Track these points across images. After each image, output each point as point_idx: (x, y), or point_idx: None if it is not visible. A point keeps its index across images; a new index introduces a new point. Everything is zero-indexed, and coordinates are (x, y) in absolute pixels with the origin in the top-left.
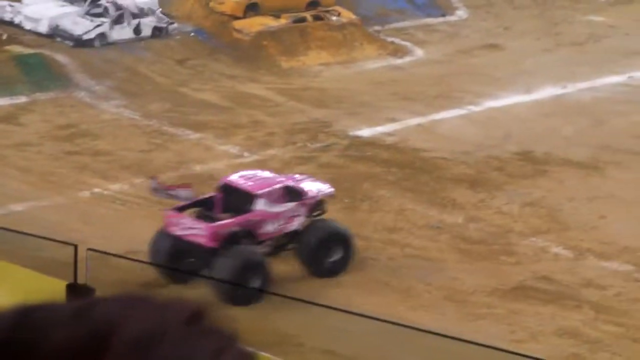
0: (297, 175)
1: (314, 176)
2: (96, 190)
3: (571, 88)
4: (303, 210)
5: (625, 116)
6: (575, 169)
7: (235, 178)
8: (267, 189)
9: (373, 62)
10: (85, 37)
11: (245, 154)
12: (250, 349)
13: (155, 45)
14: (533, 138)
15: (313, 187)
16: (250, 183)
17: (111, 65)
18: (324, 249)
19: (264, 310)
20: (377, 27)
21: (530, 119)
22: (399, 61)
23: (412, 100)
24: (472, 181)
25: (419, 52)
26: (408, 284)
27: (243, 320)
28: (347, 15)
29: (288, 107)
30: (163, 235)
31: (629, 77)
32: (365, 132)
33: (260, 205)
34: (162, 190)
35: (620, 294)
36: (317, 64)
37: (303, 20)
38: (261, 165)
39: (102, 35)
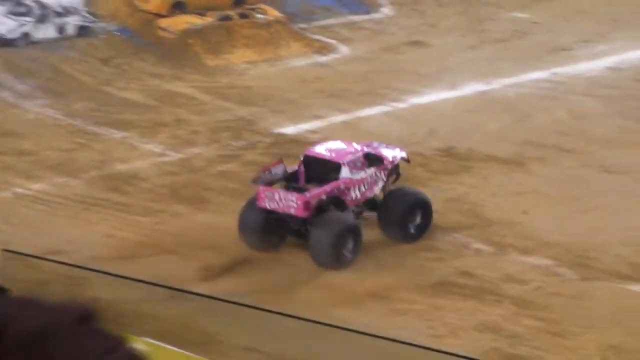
0: (374, 143)
1: (240, 174)
2: (18, 190)
3: (495, 84)
4: (382, 175)
5: (548, 112)
6: (498, 165)
7: (317, 149)
8: (350, 157)
9: (299, 60)
10: (9, 36)
11: (169, 152)
12: (168, 346)
13: (80, 44)
14: (457, 134)
15: (389, 153)
16: (332, 153)
17: (35, 65)
18: (408, 215)
19: (187, 309)
20: (302, 25)
21: (455, 116)
22: (324, 59)
23: (337, 98)
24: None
25: (345, 50)
26: (332, 281)
27: (166, 318)
28: (272, 13)
29: (213, 105)
30: (252, 210)
31: (553, 73)
32: (290, 129)
33: (344, 173)
34: (261, 176)
35: (541, 289)
36: (243, 62)
37: (229, 18)
38: (185, 163)
39: (26, 35)
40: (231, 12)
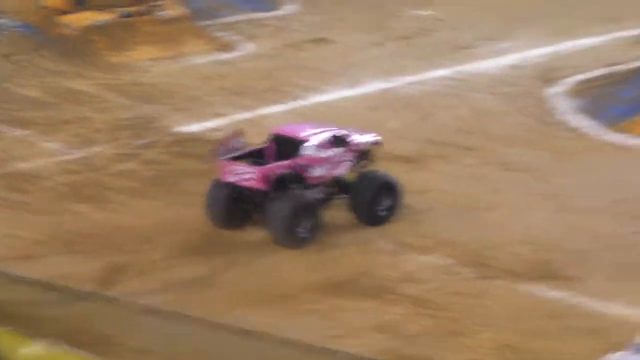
0: (348, 128)
1: (140, 172)
2: None
3: (398, 82)
4: (349, 156)
5: (451, 110)
6: (401, 163)
7: (284, 128)
8: (314, 136)
9: (202, 57)
10: None
11: (71, 150)
12: (64, 348)
13: None
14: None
15: (360, 137)
16: (298, 132)
17: None
18: (377, 198)
19: (86, 310)
20: (206, 22)
21: (358, 113)
22: (228, 56)
23: (241, 95)
24: None
25: (248, 47)
26: (231, 280)
27: (63, 320)
28: (176, 10)
29: (116, 103)
30: (218, 185)
31: (455, 71)
32: (192, 127)
33: (307, 150)
34: (222, 151)
35: (440, 288)
36: (146, 59)
37: (132, 15)
38: (86, 161)
39: None
40: (134, 9)
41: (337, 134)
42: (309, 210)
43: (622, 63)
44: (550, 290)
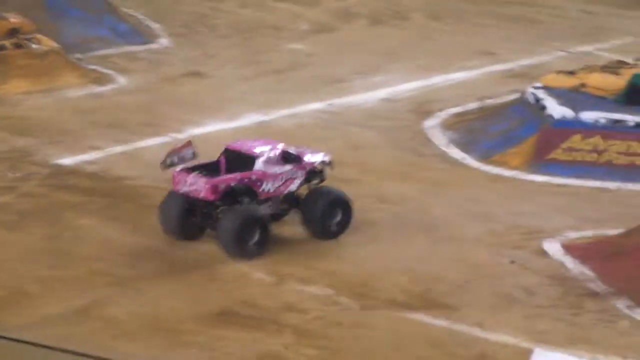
0: (302, 147)
1: (15, 206)
2: None
3: (273, 115)
4: (300, 174)
5: (326, 142)
6: None
7: (236, 144)
8: (265, 151)
9: (75, 91)
10: None
11: None
12: None
13: None
14: None
15: (310, 155)
16: (249, 147)
17: None
18: (328, 212)
19: None
20: (79, 55)
21: None
22: (102, 89)
23: (116, 128)
24: None
25: (122, 80)
26: (111, 312)
27: None
28: (48, 44)
29: None
30: (172, 195)
31: (329, 104)
32: (67, 160)
33: (258, 166)
34: (170, 158)
35: (321, 318)
36: (18, 93)
37: (3, 48)
38: None
39: None
40: (5, 42)
41: (287, 151)
42: (258, 224)
43: (495, 97)
44: (432, 320)
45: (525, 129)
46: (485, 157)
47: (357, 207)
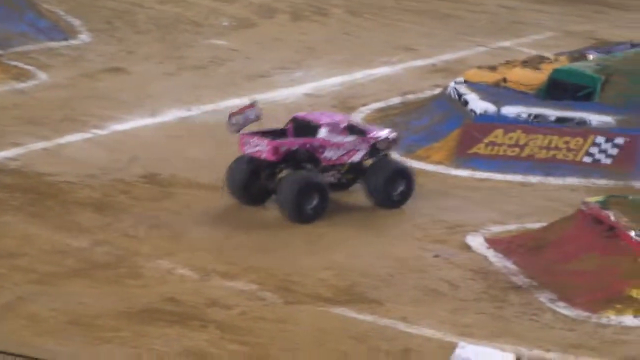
0: (368, 124)
1: None
2: None
3: (196, 110)
4: (364, 146)
5: None
6: (201, 191)
7: (305, 114)
8: (330, 122)
9: None
10: None
11: None
12: None
13: None
14: (159, 161)
15: (376, 131)
16: (316, 117)
17: None
18: (390, 182)
19: None
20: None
21: (156, 142)
22: (22, 85)
23: (37, 125)
24: (98, 205)
25: (43, 76)
26: (33, 310)
27: None
28: None
29: None
30: (239, 159)
31: (252, 100)
32: None
33: (322, 134)
34: (235, 121)
35: (245, 313)
36: None
37: None
38: None
39: None
40: None
41: (353, 124)
42: (316, 190)
43: (417, 92)
44: (356, 314)
45: (448, 124)
46: (408, 152)
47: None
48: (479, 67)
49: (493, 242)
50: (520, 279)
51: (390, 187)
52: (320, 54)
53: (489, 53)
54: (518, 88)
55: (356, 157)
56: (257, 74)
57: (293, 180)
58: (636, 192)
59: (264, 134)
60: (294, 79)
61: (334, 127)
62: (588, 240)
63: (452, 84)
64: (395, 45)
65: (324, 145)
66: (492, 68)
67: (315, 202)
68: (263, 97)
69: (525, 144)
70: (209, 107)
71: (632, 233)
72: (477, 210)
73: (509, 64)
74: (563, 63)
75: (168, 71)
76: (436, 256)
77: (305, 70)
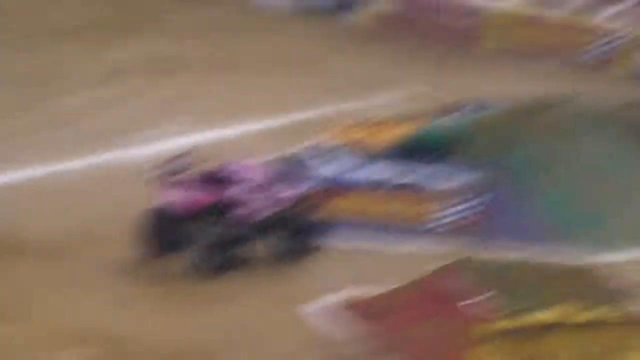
0: None
1: None
2: None
3: (41, 170)
4: None
5: (93, 197)
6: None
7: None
8: None
9: None
10: None
11: None
12: None
13: None
14: None
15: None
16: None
17: None
18: None
19: None
20: None
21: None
22: None
23: None
24: None
25: None
26: None
27: None
28: None
29: None
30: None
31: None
32: None
33: None
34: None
35: None
36: None
37: None
38: None
39: None
40: None
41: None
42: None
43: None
44: None
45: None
46: None
47: None
48: (328, 128)
49: (332, 309)
50: (360, 346)
51: None
52: (175, 112)
53: (340, 114)
54: (365, 150)
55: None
56: (110, 132)
57: None
58: (481, 256)
59: None
60: (146, 137)
61: None
62: (431, 306)
63: (299, 146)
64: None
65: None
66: (344, 128)
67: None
68: (112, 156)
69: (371, 208)
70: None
71: (473, 299)
72: (317, 276)
73: (357, 124)
74: (415, 124)
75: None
76: None
77: (158, 128)
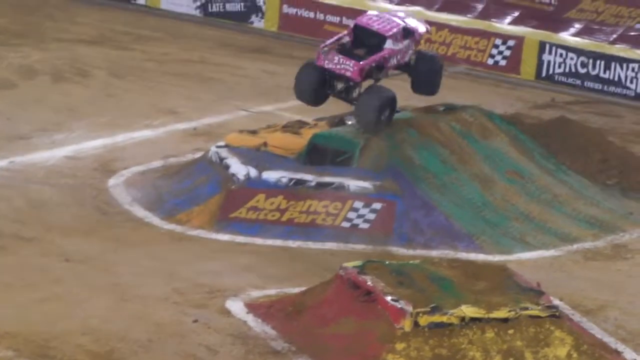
0: (401, 14)
1: None
2: None
3: None
4: (412, 45)
5: (6, 201)
6: None
7: (364, 20)
8: (394, 31)
9: None
10: None
11: None
12: None
13: None
14: None
15: (417, 25)
16: (379, 25)
17: None
18: (436, 75)
19: None
20: None
21: None
22: None
23: None
24: None
25: None
26: None
27: None
28: None
29: None
30: (310, 67)
31: (11, 162)
32: None
33: (389, 44)
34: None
35: None
36: None
37: None
38: None
39: None
40: None
41: (405, 27)
42: (392, 103)
43: (179, 155)
44: None
45: (210, 188)
46: (169, 216)
47: (39, 265)
48: (240, 131)
49: (253, 307)
50: (279, 344)
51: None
52: (82, 116)
53: (251, 117)
54: (279, 152)
55: (407, 57)
56: (17, 135)
57: (374, 96)
58: (393, 257)
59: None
60: (54, 141)
61: (395, 36)
62: (345, 305)
63: (213, 148)
64: (158, 108)
65: (390, 55)
66: (253, 132)
67: (387, 113)
68: (22, 159)
69: (286, 209)
70: None
71: (389, 298)
72: (237, 274)
73: (270, 128)
74: (323, 128)
75: None
76: (195, 321)
77: (67, 132)
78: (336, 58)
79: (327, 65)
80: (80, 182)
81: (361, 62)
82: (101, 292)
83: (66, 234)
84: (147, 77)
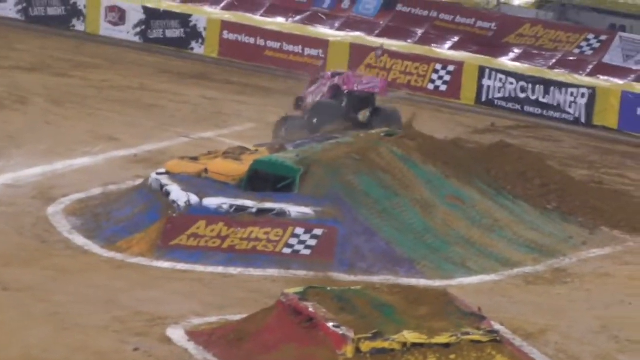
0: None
1: None
2: None
3: None
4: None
5: None
6: None
7: (354, 87)
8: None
9: None
10: None
11: None
12: None
13: None
14: None
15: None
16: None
17: None
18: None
19: None
20: None
21: None
22: None
23: None
24: None
25: None
26: None
27: None
28: None
29: None
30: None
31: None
32: None
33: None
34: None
35: None
36: None
37: None
38: None
39: None
40: None
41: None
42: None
43: (119, 182)
44: None
45: (150, 215)
46: (109, 243)
47: None
48: (181, 158)
49: (194, 335)
50: None
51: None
52: (21, 144)
53: (191, 144)
54: (219, 179)
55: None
56: None
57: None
58: (334, 283)
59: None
60: None
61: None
62: (287, 331)
63: (153, 175)
64: (98, 135)
65: None
66: (194, 159)
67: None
68: None
69: (227, 236)
70: None
71: (330, 324)
72: (178, 302)
73: (210, 154)
74: (264, 154)
75: None
76: (136, 349)
77: (5, 160)
78: (364, 79)
79: (358, 87)
80: (19, 210)
81: (385, 78)
82: (41, 321)
83: (5, 263)
84: (86, 104)
